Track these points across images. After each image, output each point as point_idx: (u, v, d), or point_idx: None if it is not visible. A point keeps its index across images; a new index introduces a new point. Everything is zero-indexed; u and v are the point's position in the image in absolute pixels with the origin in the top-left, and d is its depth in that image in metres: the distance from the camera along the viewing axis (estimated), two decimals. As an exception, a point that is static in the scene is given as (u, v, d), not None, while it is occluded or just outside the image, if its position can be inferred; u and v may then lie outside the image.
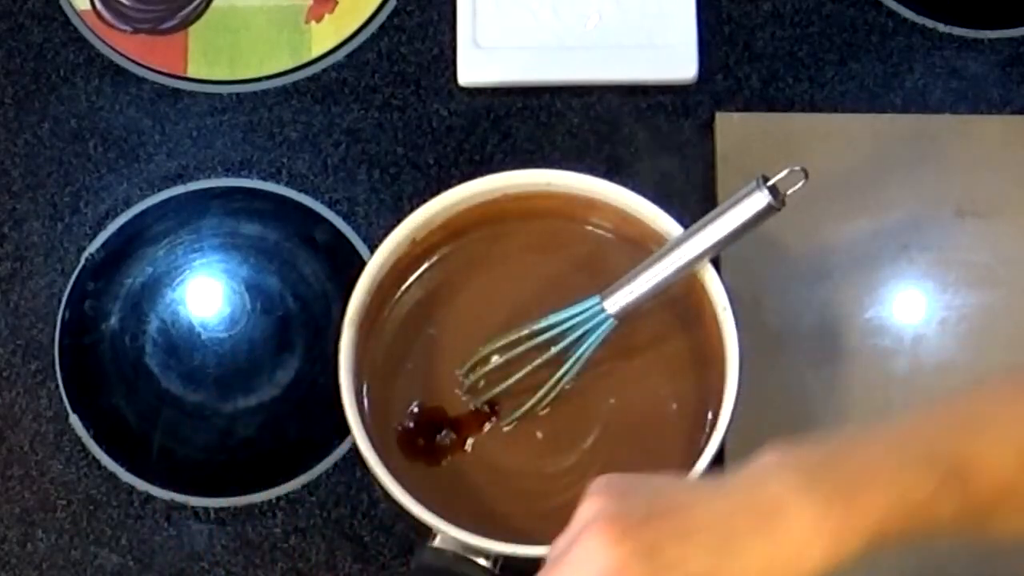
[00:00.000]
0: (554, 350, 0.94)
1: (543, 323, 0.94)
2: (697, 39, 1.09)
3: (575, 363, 0.94)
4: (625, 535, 0.69)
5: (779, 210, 0.91)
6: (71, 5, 1.12)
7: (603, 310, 0.93)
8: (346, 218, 1.07)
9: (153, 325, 1.05)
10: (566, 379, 0.94)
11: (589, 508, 0.72)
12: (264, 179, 1.08)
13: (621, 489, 0.73)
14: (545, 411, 0.96)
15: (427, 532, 0.90)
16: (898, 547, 0.68)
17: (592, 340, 0.94)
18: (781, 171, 0.91)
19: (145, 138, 1.09)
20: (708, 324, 0.95)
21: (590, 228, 0.99)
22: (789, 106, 1.09)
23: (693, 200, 1.06)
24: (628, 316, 0.94)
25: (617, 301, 0.93)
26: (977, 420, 0.72)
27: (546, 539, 0.91)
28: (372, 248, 1.02)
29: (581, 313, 0.94)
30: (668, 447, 0.94)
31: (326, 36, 1.11)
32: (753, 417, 0.98)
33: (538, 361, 0.94)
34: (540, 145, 1.09)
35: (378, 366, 0.97)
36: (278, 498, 1.01)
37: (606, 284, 0.95)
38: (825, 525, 0.67)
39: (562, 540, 0.73)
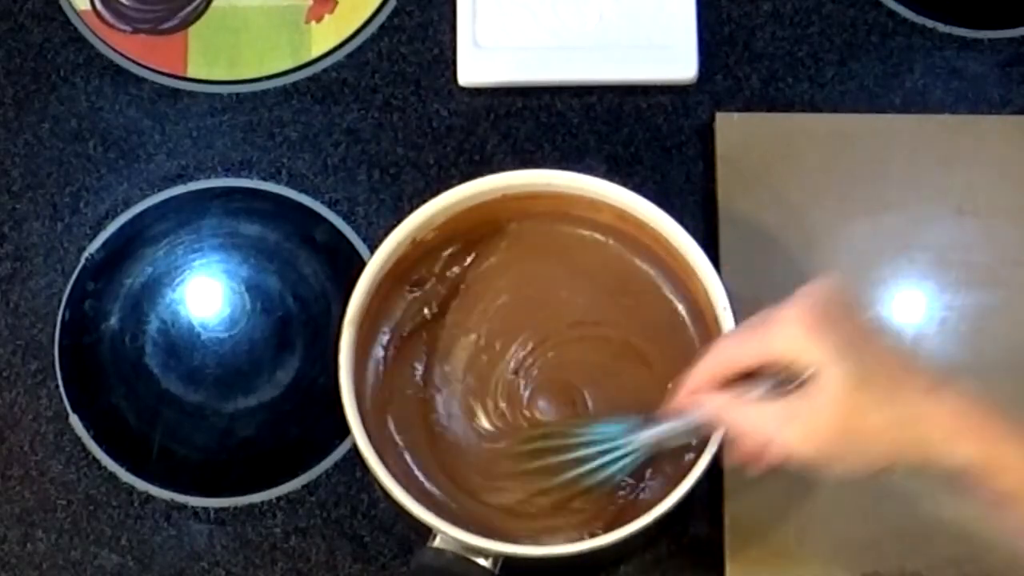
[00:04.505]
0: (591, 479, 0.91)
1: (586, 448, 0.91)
2: (697, 39, 1.09)
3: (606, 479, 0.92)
4: None
5: None
6: (71, 5, 1.12)
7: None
8: (346, 218, 1.07)
9: (153, 325, 1.05)
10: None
11: None
12: (264, 179, 1.08)
13: None
14: (545, 408, 0.96)
15: (427, 532, 0.90)
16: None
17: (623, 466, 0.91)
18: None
19: (145, 138, 1.09)
20: (708, 324, 0.95)
21: (590, 228, 0.99)
22: (789, 106, 1.09)
23: (693, 200, 1.06)
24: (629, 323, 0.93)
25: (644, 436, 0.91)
26: None
27: (546, 539, 0.91)
28: (372, 248, 1.01)
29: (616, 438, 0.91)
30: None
31: (326, 36, 1.11)
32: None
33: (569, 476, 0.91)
34: (540, 145, 1.09)
35: (378, 366, 0.97)
36: (278, 498, 1.02)
37: (606, 284, 0.96)
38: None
39: None
